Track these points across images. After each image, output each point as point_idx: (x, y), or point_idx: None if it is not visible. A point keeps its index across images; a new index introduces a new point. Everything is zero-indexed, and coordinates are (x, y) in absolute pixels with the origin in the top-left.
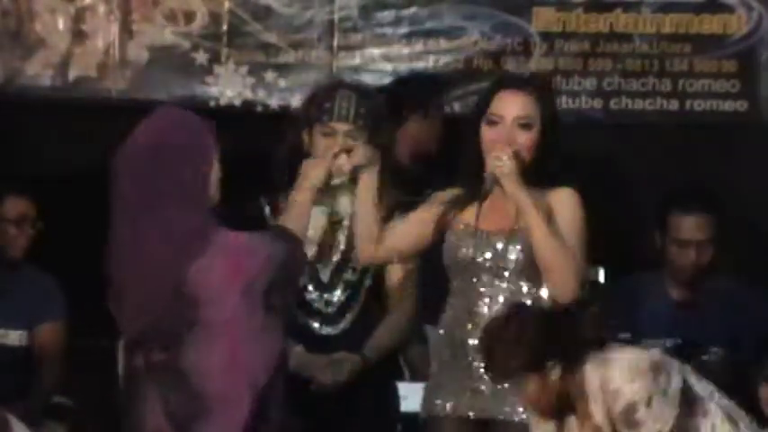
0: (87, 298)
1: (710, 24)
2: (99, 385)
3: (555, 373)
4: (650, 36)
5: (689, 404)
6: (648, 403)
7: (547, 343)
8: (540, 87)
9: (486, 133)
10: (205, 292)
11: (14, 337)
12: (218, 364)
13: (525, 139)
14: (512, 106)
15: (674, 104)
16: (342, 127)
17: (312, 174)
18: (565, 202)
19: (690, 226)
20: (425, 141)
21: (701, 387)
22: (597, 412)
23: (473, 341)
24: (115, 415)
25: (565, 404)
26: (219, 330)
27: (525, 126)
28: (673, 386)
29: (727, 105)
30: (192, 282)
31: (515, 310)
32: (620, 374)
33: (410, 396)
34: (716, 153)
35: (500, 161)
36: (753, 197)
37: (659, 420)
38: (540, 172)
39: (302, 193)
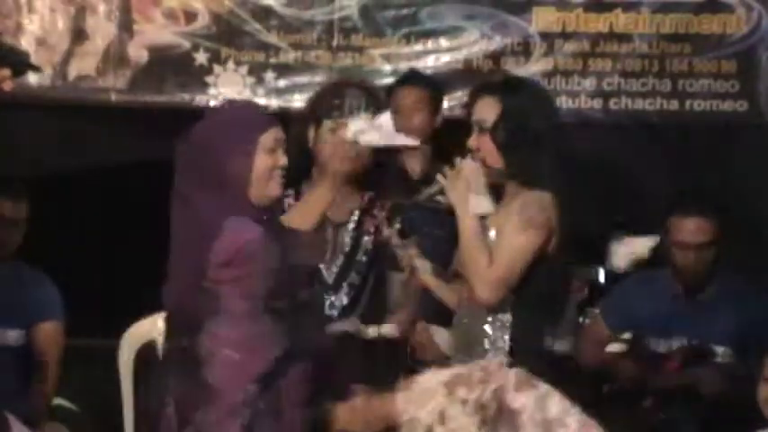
0: (87, 298)
1: (710, 24)
2: (99, 385)
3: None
4: (650, 36)
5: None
6: (442, 420)
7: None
8: (504, 88)
9: None
10: (221, 286)
11: (12, 337)
12: (223, 356)
13: (483, 142)
14: (476, 113)
15: (673, 104)
16: None
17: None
18: (521, 204)
19: (690, 229)
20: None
21: (556, 404)
22: None
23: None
24: (115, 415)
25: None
26: (228, 326)
27: (482, 130)
28: (474, 395)
29: (727, 105)
30: (212, 274)
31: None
32: (414, 401)
33: None
34: (716, 153)
35: (443, 179)
36: (753, 197)
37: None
38: (511, 172)
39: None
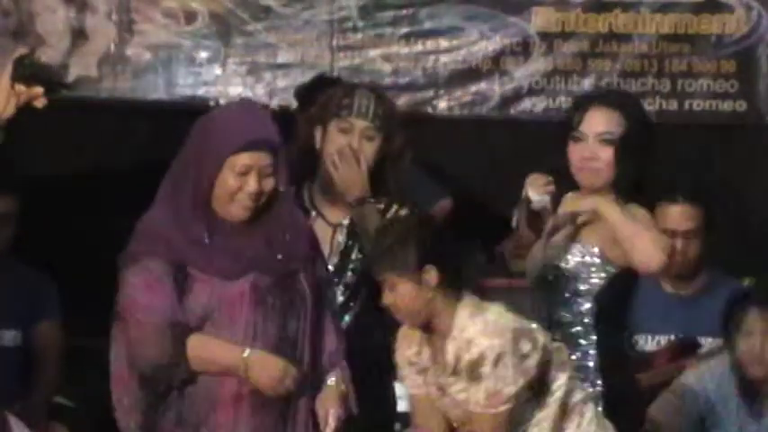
0: (87, 298)
1: (709, 24)
2: (99, 385)
3: (431, 277)
4: (649, 36)
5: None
6: (497, 362)
7: (429, 246)
8: (625, 102)
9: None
10: None
11: (9, 338)
12: None
13: (603, 152)
14: (596, 123)
15: (672, 104)
16: (360, 123)
17: None
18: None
19: (676, 215)
20: None
21: (580, 390)
22: (450, 351)
23: None
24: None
25: (430, 321)
26: None
27: (605, 141)
28: (532, 358)
29: (726, 105)
30: None
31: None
32: (481, 326)
33: None
34: (715, 153)
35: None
36: (752, 197)
37: (502, 381)
38: (622, 184)
39: None
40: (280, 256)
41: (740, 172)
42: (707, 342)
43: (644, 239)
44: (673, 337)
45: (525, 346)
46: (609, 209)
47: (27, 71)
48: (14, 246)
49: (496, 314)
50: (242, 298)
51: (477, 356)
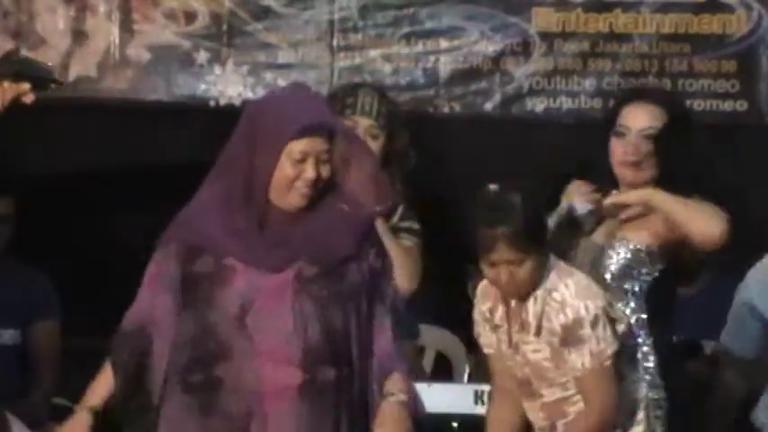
0: (86, 298)
1: (710, 24)
2: None
3: (543, 258)
4: (650, 36)
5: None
6: (594, 324)
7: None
8: (666, 98)
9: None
10: None
11: (8, 337)
12: None
13: (644, 146)
14: (638, 118)
15: None
16: (364, 122)
17: None
18: None
19: None
20: None
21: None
22: (530, 310)
23: None
24: (114, 415)
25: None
26: None
27: (646, 136)
28: (620, 325)
29: (727, 105)
30: None
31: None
32: (573, 288)
33: None
34: (716, 153)
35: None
36: (752, 197)
37: (604, 341)
38: (663, 178)
39: None
40: (330, 246)
41: (740, 172)
42: (708, 345)
43: (702, 215)
44: (674, 339)
45: (615, 312)
46: (661, 196)
47: (14, 68)
48: (14, 246)
49: (584, 278)
50: (285, 286)
51: (574, 320)
